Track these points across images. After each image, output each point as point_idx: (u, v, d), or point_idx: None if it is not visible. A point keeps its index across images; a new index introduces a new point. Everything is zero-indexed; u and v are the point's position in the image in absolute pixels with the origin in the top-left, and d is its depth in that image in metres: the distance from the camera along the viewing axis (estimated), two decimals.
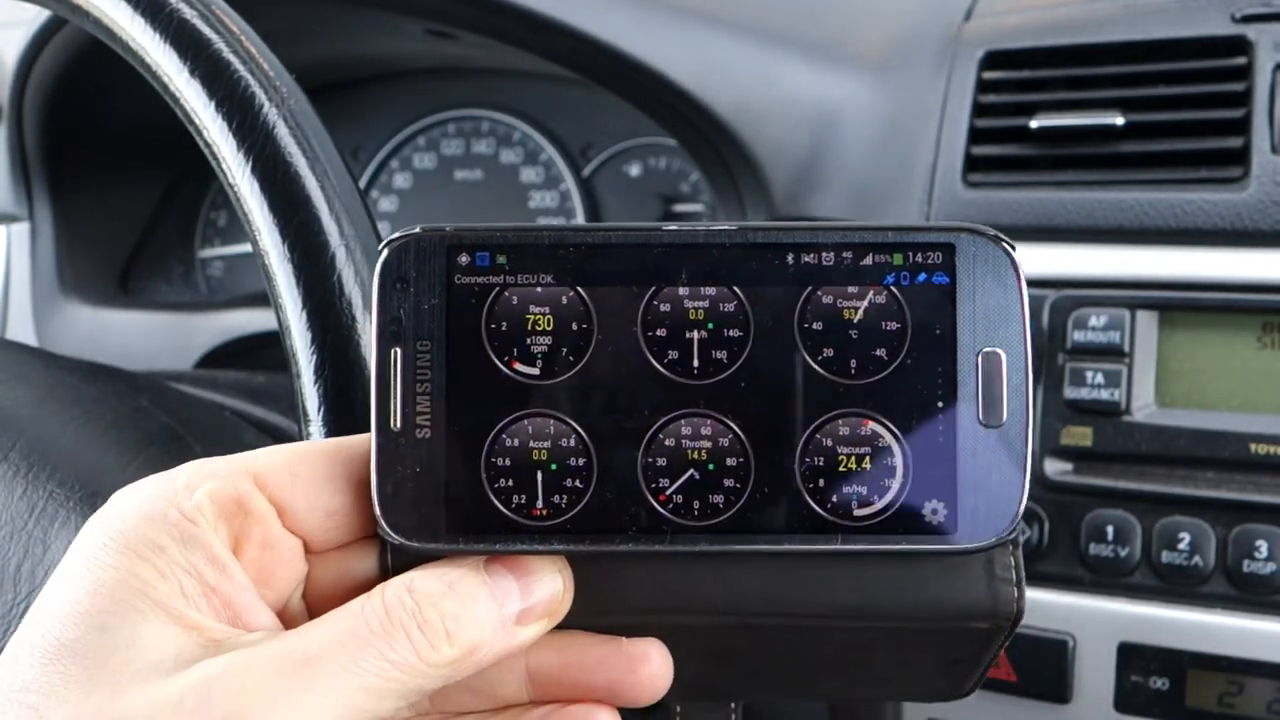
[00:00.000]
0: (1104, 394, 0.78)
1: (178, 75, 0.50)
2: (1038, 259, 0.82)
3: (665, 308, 0.39)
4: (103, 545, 0.36)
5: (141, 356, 1.10)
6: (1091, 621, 0.78)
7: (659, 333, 0.39)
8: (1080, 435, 0.79)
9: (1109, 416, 0.78)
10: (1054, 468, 0.80)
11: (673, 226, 0.39)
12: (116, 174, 1.22)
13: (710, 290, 0.39)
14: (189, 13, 0.50)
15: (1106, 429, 0.78)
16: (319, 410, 0.46)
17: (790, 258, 0.39)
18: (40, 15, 1.05)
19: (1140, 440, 0.78)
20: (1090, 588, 0.78)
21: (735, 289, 0.39)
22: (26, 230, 1.17)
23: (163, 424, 0.59)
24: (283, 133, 0.48)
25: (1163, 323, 0.79)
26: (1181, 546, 0.76)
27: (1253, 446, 0.75)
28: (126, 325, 1.15)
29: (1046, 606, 0.79)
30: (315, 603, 0.40)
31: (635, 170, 1.15)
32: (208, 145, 0.49)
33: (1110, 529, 0.78)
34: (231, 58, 0.49)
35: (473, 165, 1.22)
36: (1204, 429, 0.76)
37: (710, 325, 0.39)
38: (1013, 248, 0.39)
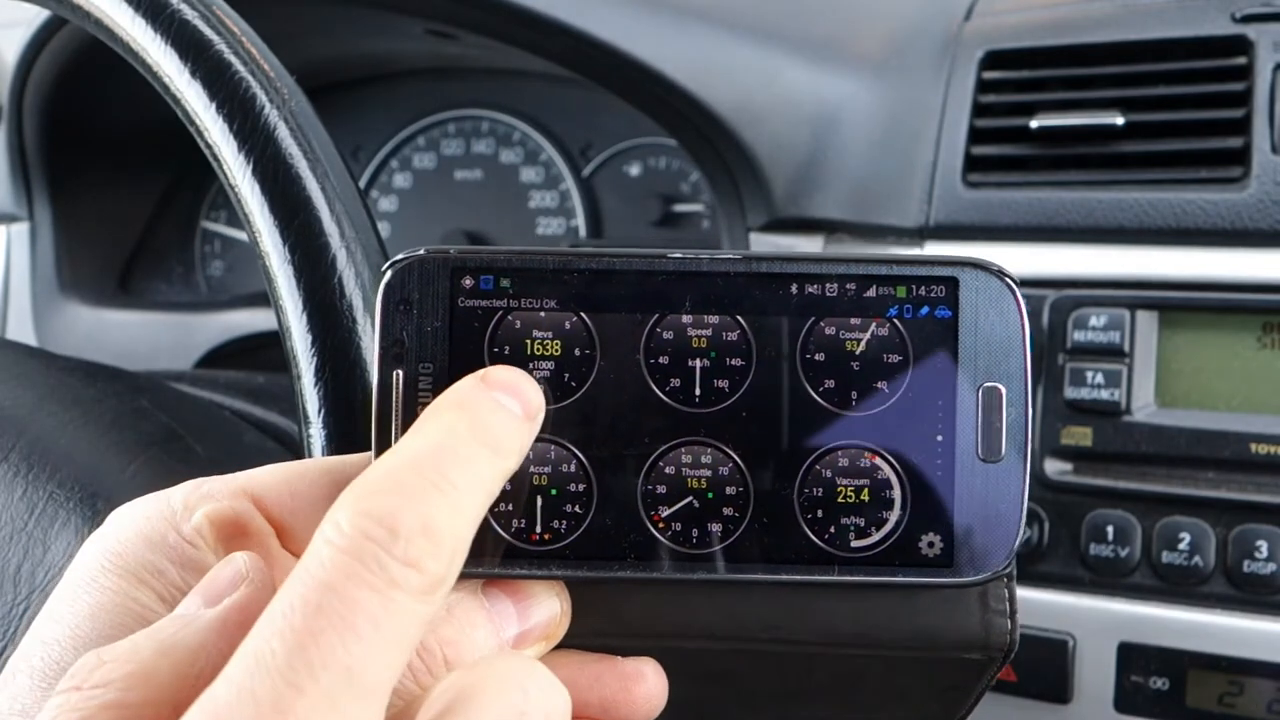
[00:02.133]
0: (1104, 394, 0.78)
1: (179, 76, 0.50)
2: (1038, 259, 0.82)
3: (668, 335, 0.39)
4: (101, 568, 0.36)
5: (141, 356, 1.10)
6: (1091, 621, 0.78)
7: (661, 360, 0.39)
8: (1080, 435, 0.79)
9: (1109, 416, 0.78)
10: (1054, 468, 0.80)
11: (678, 254, 0.39)
12: (116, 174, 1.22)
13: (713, 319, 0.39)
14: (190, 13, 0.50)
15: (1106, 429, 0.78)
16: (319, 412, 0.46)
17: (794, 288, 0.39)
18: (40, 15, 1.05)
19: (1140, 440, 0.78)
20: (1090, 588, 0.78)
21: (738, 318, 0.39)
22: (26, 230, 1.17)
23: (163, 424, 0.59)
24: (284, 134, 0.48)
25: (1163, 323, 0.79)
26: (1181, 546, 0.76)
27: (1253, 446, 0.75)
28: (126, 325, 1.15)
29: (1046, 606, 0.79)
30: None
31: (635, 170, 1.15)
32: (209, 146, 0.49)
33: (1110, 529, 0.78)
34: (232, 59, 0.49)
35: (473, 165, 1.22)
36: (1204, 429, 0.76)
37: (713, 354, 0.39)
38: (1016, 283, 0.39)
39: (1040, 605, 0.79)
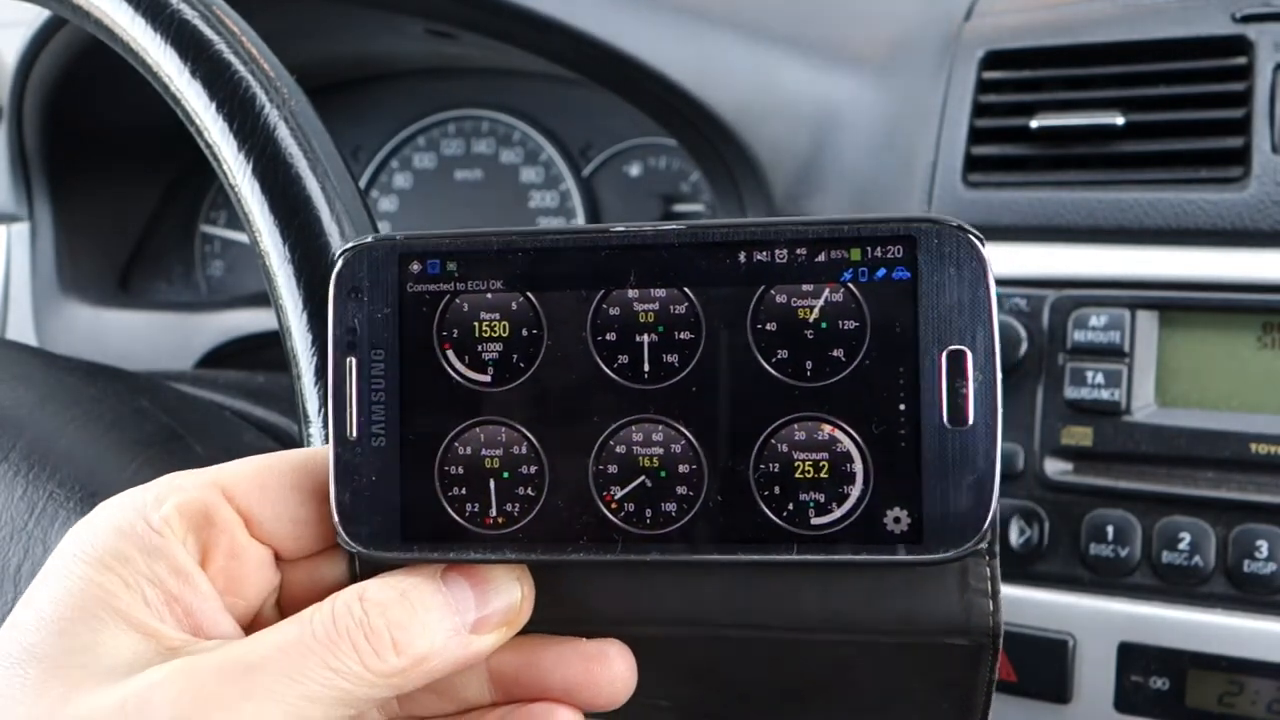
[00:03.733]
0: (1104, 394, 0.78)
1: (179, 76, 0.50)
2: (1038, 259, 0.82)
3: (614, 311, 0.38)
4: (73, 556, 0.37)
5: (141, 356, 1.10)
6: (1091, 621, 0.78)
7: (609, 337, 0.38)
8: (1080, 435, 0.79)
9: (1109, 416, 0.78)
10: (1054, 467, 0.80)
11: (620, 228, 0.38)
12: (116, 174, 1.22)
13: (660, 292, 0.38)
14: (190, 13, 0.50)
15: (1107, 429, 0.78)
16: (319, 412, 0.46)
17: (742, 256, 0.37)
18: (40, 15, 1.05)
19: (1140, 440, 0.78)
20: (1090, 588, 0.78)
21: (686, 290, 0.37)
22: (26, 230, 1.17)
23: (163, 424, 0.59)
24: (284, 134, 0.48)
25: (1163, 322, 0.79)
26: (1181, 546, 0.76)
27: (1253, 446, 0.75)
28: (126, 325, 1.15)
29: (1046, 606, 0.79)
30: (289, 610, 0.40)
31: (635, 170, 1.15)
32: (209, 146, 0.49)
33: (1110, 529, 0.78)
34: (232, 58, 0.49)
35: (473, 165, 1.22)
36: (1204, 429, 0.76)
37: (661, 328, 0.38)
38: (979, 239, 0.36)
39: (1040, 605, 0.79)
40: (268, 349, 1.09)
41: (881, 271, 0.37)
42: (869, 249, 0.37)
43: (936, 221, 0.37)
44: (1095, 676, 0.78)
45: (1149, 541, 0.77)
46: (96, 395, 0.59)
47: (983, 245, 0.37)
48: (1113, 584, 0.78)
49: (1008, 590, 0.79)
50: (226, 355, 1.11)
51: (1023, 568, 0.80)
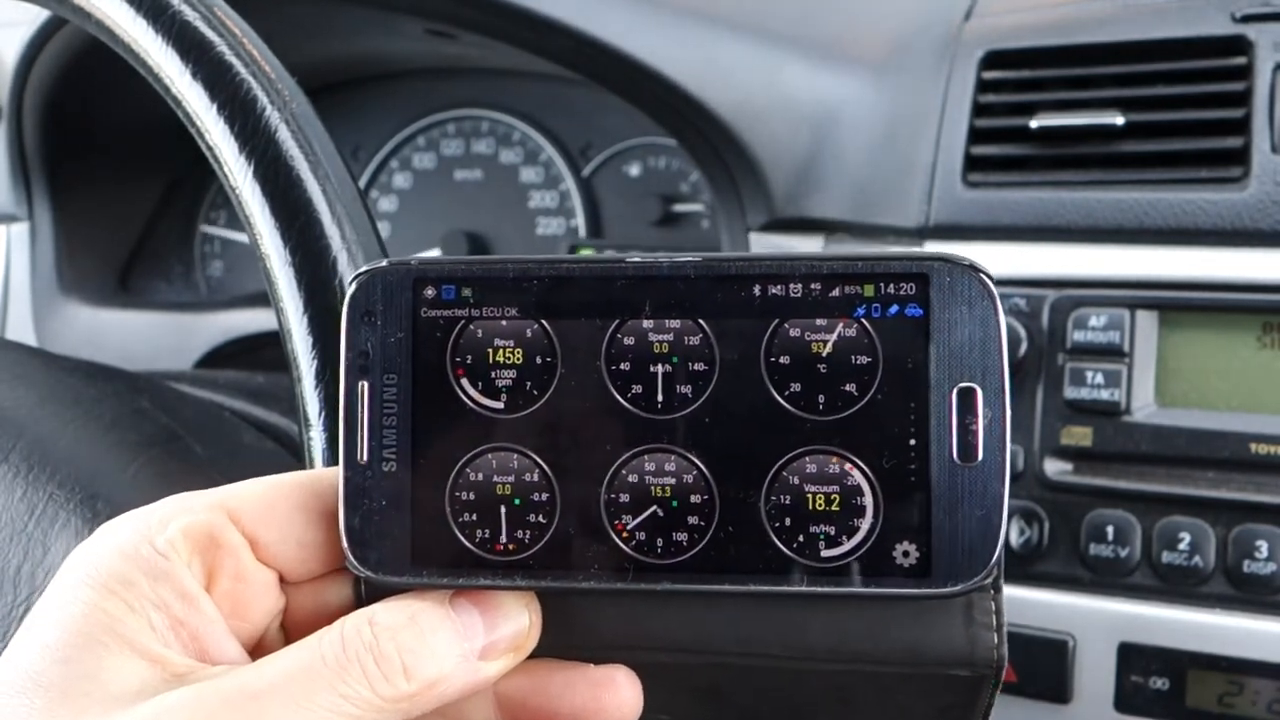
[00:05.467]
0: (1104, 394, 0.78)
1: (180, 77, 0.50)
2: (1038, 259, 0.82)
3: (629, 341, 0.38)
4: (77, 581, 0.37)
5: (141, 356, 1.10)
6: (1091, 621, 0.78)
7: (623, 366, 0.38)
8: (1080, 435, 0.79)
9: (1109, 416, 0.78)
10: (1054, 468, 0.80)
11: (637, 258, 0.38)
12: (116, 174, 1.22)
13: (675, 323, 0.38)
14: (191, 14, 0.50)
15: (1106, 429, 0.78)
16: (320, 415, 0.46)
17: (757, 289, 0.38)
18: (40, 15, 1.05)
19: (1140, 440, 0.78)
20: (1090, 588, 0.78)
21: (700, 321, 0.38)
22: (26, 230, 1.17)
23: (163, 425, 0.59)
24: (285, 136, 0.48)
25: (1163, 322, 0.79)
26: (1181, 546, 0.76)
27: (1253, 446, 0.75)
28: (126, 325, 1.15)
29: (1046, 606, 0.79)
30: (294, 633, 0.40)
31: (635, 170, 1.15)
32: (209, 148, 0.49)
33: (1110, 529, 0.78)
34: (233, 60, 0.49)
35: (472, 165, 1.22)
36: (1204, 429, 0.76)
37: (675, 359, 0.38)
38: (990, 279, 0.37)
39: (1040, 605, 0.79)
40: (267, 349, 1.09)
41: (894, 308, 0.37)
42: (882, 285, 0.37)
43: (949, 260, 0.37)
44: (1095, 677, 0.78)
45: (1149, 541, 0.77)
46: (96, 395, 0.59)
47: (994, 283, 0.37)
48: (1113, 584, 0.78)
49: (1008, 590, 0.79)
50: (226, 355, 1.11)
51: (1023, 568, 0.80)
